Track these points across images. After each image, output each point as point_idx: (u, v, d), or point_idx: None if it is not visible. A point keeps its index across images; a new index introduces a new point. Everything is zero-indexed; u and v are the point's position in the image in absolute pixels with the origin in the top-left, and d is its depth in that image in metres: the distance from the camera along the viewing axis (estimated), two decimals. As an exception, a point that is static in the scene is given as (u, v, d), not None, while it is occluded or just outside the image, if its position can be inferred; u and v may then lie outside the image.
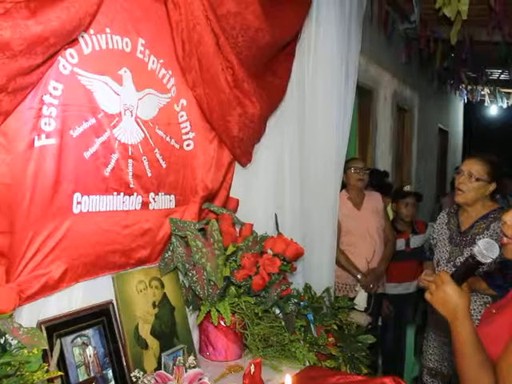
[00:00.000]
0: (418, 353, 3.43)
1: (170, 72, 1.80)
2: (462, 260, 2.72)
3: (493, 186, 2.74)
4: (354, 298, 3.31)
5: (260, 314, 1.87)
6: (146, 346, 1.65)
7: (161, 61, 1.76)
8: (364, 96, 4.78)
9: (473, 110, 12.26)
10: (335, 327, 2.35)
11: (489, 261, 1.34)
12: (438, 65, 5.44)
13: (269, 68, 2.24)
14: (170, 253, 1.84)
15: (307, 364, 1.95)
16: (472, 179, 2.70)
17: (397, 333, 3.75)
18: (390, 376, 1.76)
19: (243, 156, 2.21)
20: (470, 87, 8.96)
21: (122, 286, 1.64)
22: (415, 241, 3.98)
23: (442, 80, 7.81)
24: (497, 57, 5.10)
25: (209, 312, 1.82)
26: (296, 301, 1.98)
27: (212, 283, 1.80)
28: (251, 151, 2.28)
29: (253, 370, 1.48)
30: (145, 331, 1.67)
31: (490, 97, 9.60)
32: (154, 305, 1.75)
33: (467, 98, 10.46)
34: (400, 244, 3.92)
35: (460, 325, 1.31)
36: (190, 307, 1.92)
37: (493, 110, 11.69)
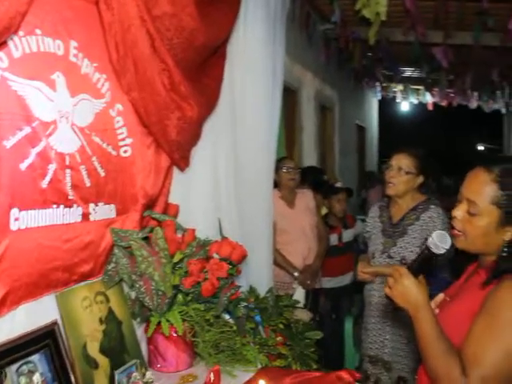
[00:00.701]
0: (357, 343, 3.52)
1: (105, 76, 1.72)
2: (395, 251, 2.84)
3: (420, 179, 2.89)
4: (291, 296, 3.35)
5: (211, 320, 1.83)
6: (95, 365, 1.57)
7: (94, 64, 1.67)
8: (289, 96, 4.86)
9: (386, 106, 12.84)
10: (281, 326, 2.36)
11: (442, 251, 1.40)
12: (356, 64, 5.62)
13: (202, 70, 2.21)
14: (113, 265, 1.76)
15: (259, 366, 1.94)
16: (402, 173, 2.83)
17: (335, 325, 3.83)
18: (345, 369, 1.80)
19: (182, 160, 2.16)
20: (384, 85, 9.37)
21: (67, 305, 1.55)
22: (347, 235, 4.10)
23: (359, 78, 8.12)
24: (410, 56, 5.37)
25: (159, 323, 1.76)
26: (246, 304, 1.96)
27: (160, 293, 1.74)
28: (189, 155, 2.24)
29: (212, 378, 1.45)
30: (93, 349, 1.58)
31: (402, 93, 10.09)
32: (100, 321, 1.66)
33: (381, 95, 10.96)
34: (333, 239, 4.02)
35: (422, 316, 1.34)
36: (138, 320, 1.85)
37: (404, 106, 12.29)
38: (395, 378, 2.81)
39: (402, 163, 2.83)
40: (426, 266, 1.43)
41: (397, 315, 2.85)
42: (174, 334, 1.82)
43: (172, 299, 1.80)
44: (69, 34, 1.55)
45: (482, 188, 1.39)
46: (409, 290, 1.36)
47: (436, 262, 1.43)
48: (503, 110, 8.88)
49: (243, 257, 2.07)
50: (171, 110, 1.92)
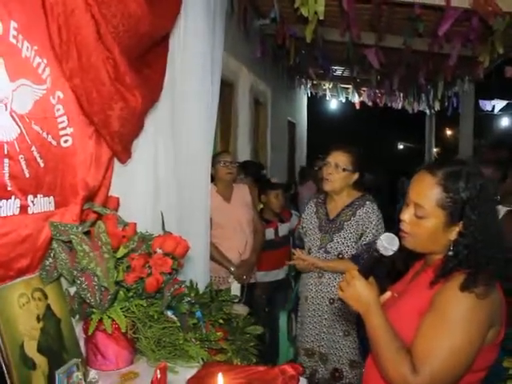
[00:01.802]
0: (292, 336, 3.59)
1: (45, 61, 1.63)
2: (332, 246, 2.92)
3: (356, 176, 2.98)
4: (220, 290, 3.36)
5: (156, 316, 1.79)
6: (33, 366, 1.49)
7: (35, 47, 1.58)
8: (225, 89, 4.84)
9: (315, 103, 13.13)
10: (221, 321, 2.36)
11: (391, 253, 1.46)
12: (291, 61, 5.70)
13: (145, 61, 2.15)
14: (51, 260, 1.68)
15: (201, 362, 1.92)
16: (339, 169, 2.90)
17: (269, 319, 3.88)
18: (288, 363, 1.82)
19: (123, 152, 2.09)
20: (315, 82, 9.56)
21: (2, 303, 1.46)
22: (283, 229, 4.16)
23: (291, 75, 8.24)
24: (343, 55, 5.52)
25: (100, 320, 1.70)
26: (189, 299, 1.93)
27: (103, 289, 1.68)
28: (130, 147, 2.17)
29: (159, 375, 1.42)
30: (31, 349, 1.50)
31: (331, 91, 10.34)
32: (38, 319, 1.58)
33: (310, 92, 11.18)
34: (269, 233, 4.06)
35: (373, 316, 1.39)
36: (76, 317, 1.78)
37: (333, 104, 12.61)
38: (331, 369, 2.89)
39: (338, 160, 2.90)
40: (376, 268, 1.48)
41: (333, 309, 2.93)
42: (115, 331, 1.77)
43: (114, 295, 1.74)
44: (8, 13, 1.45)
45: (426, 191, 1.45)
46: (360, 291, 1.41)
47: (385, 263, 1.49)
48: (427, 112, 9.34)
49: (186, 251, 2.04)
50: (115, 100, 1.85)
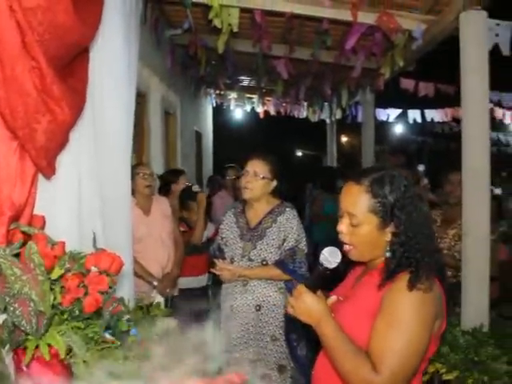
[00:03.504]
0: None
1: (-34, 71, 1.51)
2: (255, 253, 2.97)
3: (274, 183, 3.06)
4: (151, 304, 3.29)
5: (95, 338, 1.71)
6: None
7: (-45, 57, 1.46)
8: (137, 100, 4.74)
9: (220, 113, 13.23)
10: (156, 337, 2.30)
11: (334, 265, 1.53)
12: (202, 71, 5.72)
13: (69, 71, 2.06)
14: (-24, 287, 1.55)
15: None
16: (258, 178, 2.97)
17: (195, 329, 3.84)
18: (234, 372, 1.81)
19: (48, 167, 1.97)
20: (222, 93, 9.65)
21: None
22: (206, 234, 4.15)
23: (199, 85, 8.24)
24: (252, 66, 5.63)
25: (36, 347, 1.59)
26: (129, 317, 1.87)
27: (38, 314, 1.58)
28: (55, 162, 2.06)
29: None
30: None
31: (237, 101, 10.49)
32: (-33, 352, 1.45)
33: (216, 102, 11.26)
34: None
35: (325, 326, 1.45)
36: (7, 347, 1.65)
37: (238, 114, 12.78)
38: (260, 376, 2.92)
39: (257, 168, 2.97)
40: (322, 281, 1.54)
41: (260, 315, 2.97)
42: (52, 358, 1.66)
43: (50, 320, 1.64)
44: None
45: (357, 200, 1.54)
46: (310, 306, 1.46)
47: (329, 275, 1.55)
48: (328, 120, 9.76)
49: (121, 268, 1.97)
50: (42, 112, 1.75)
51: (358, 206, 1.52)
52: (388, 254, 1.52)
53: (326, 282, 1.57)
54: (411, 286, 1.41)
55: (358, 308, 1.53)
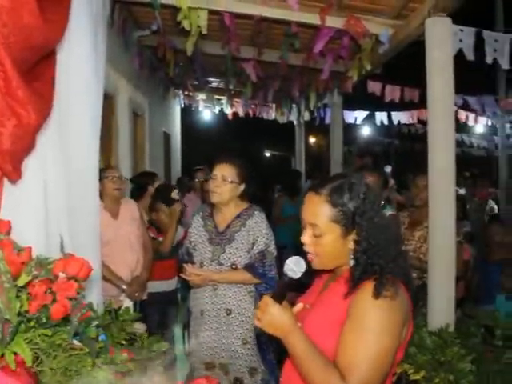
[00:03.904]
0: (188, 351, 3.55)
1: None
2: (225, 257, 2.96)
3: (243, 187, 3.06)
4: (120, 309, 3.25)
5: (64, 345, 1.69)
6: None
7: None
8: (105, 102, 4.67)
9: (189, 114, 13.18)
10: (124, 342, 2.29)
11: (299, 275, 1.52)
12: (170, 73, 5.69)
13: (34, 74, 2.02)
14: None
15: (111, 387, 1.85)
16: (226, 182, 2.97)
17: (164, 333, 3.81)
18: (204, 377, 1.81)
19: (14, 172, 1.93)
20: (190, 94, 9.60)
21: None
22: (176, 238, 4.13)
23: (167, 86, 8.18)
24: (221, 68, 5.63)
25: (1, 356, 1.56)
26: (97, 323, 1.85)
27: (4, 322, 1.55)
28: (21, 166, 2.02)
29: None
30: None
31: (205, 102, 10.45)
32: None
33: (184, 104, 11.21)
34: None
35: (294, 339, 1.42)
36: (-30, 356, 1.61)
37: (206, 115, 12.75)
38: (232, 379, 2.92)
39: (225, 172, 2.97)
40: (287, 291, 1.54)
41: (230, 319, 2.96)
42: (18, 367, 1.63)
43: (16, 327, 1.60)
44: None
45: (317, 210, 1.54)
46: (276, 317, 1.44)
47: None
48: (296, 122, 9.83)
49: (90, 273, 1.94)
50: (7, 116, 1.71)
51: (319, 216, 1.52)
52: (352, 262, 1.53)
53: (295, 287, 1.57)
54: (377, 293, 1.41)
55: (324, 316, 1.53)
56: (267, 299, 1.46)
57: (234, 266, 2.97)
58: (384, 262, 1.48)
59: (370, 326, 1.39)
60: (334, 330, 1.45)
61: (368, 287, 1.44)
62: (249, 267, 2.95)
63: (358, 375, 1.35)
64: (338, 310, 1.47)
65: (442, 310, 3.14)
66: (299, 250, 1.63)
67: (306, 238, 1.56)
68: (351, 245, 1.53)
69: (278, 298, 1.48)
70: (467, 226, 5.45)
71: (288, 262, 1.52)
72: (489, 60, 4.21)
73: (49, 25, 1.81)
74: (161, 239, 4.09)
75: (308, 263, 1.55)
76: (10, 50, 1.68)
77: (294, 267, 1.51)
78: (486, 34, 4.18)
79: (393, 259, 1.50)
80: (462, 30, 3.93)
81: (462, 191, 9.82)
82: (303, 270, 1.52)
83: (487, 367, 2.79)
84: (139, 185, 4.45)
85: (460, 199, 5.50)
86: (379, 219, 1.55)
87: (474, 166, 14.51)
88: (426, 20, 3.31)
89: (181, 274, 3.05)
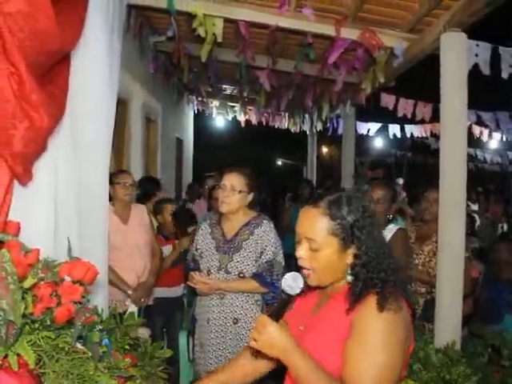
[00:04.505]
0: (193, 358, 3.54)
1: None
2: (232, 266, 2.94)
3: (251, 196, 3.05)
4: (125, 313, 3.26)
5: (67, 349, 1.69)
6: None
7: None
8: (119, 106, 4.71)
9: (202, 120, 13.24)
10: (127, 347, 2.28)
11: (298, 291, 1.49)
12: (185, 79, 5.72)
13: (48, 77, 2.04)
14: None
15: (112, 392, 1.84)
16: (235, 192, 2.96)
17: (168, 340, 3.81)
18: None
19: (24, 174, 1.95)
20: (204, 100, 9.64)
21: None
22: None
23: (180, 92, 8.23)
24: (235, 75, 5.65)
25: (4, 357, 1.56)
26: (101, 327, 1.85)
27: (8, 323, 1.55)
28: (31, 168, 2.03)
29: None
30: None
31: (218, 109, 10.48)
32: None
33: (197, 109, 11.25)
34: (168, 250, 4.02)
35: (294, 358, 1.39)
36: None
37: (219, 121, 12.78)
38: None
39: (234, 182, 2.96)
40: (285, 309, 1.51)
41: (237, 328, 2.94)
42: (21, 368, 1.63)
43: (21, 329, 1.61)
44: None
45: (315, 224, 1.50)
46: (274, 336, 1.39)
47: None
48: (308, 132, 9.83)
49: (95, 277, 1.95)
50: (19, 119, 1.73)
51: (316, 230, 1.49)
52: (350, 278, 1.50)
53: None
54: (381, 307, 1.39)
55: (325, 336, 1.48)
56: (264, 319, 1.42)
57: (241, 275, 2.95)
58: (385, 275, 1.46)
59: (376, 340, 1.36)
60: (336, 349, 1.41)
61: (371, 300, 1.42)
62: (256, 276, 2.94)
63: None
64: (341, 328, 1.44)
65: (449, 326, 3.11)
66: None
67: (302, 252, 1.52)
68: (349, 259, 1.50)
69: (275, 317, 1.44)
70: (475, 242, 5.38)
71: (286, 276, 1.49)
72: (504, 75, 4.18)
73: (64, 29, 1.83)
74: (168, 246, 4.09)
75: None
76: (26, 54, 1.70)
77: (292, 283, 1.48)
78: (501, 49, 4.16)
79: (393, 272, 1.48)
80: (477, 45, 3.91)
81: (475, 207, 9.73)
82: (301, 286, 1.49)
83: (493, 388, 2.75)
84: (146, 191, 4.45)
85: (468, 215, 5.45)
86: (376, 232, 1.54)
87: (487, 181, 14.41)
88: (440, 35, 3.30)
89: (188, 282, 3.04)
